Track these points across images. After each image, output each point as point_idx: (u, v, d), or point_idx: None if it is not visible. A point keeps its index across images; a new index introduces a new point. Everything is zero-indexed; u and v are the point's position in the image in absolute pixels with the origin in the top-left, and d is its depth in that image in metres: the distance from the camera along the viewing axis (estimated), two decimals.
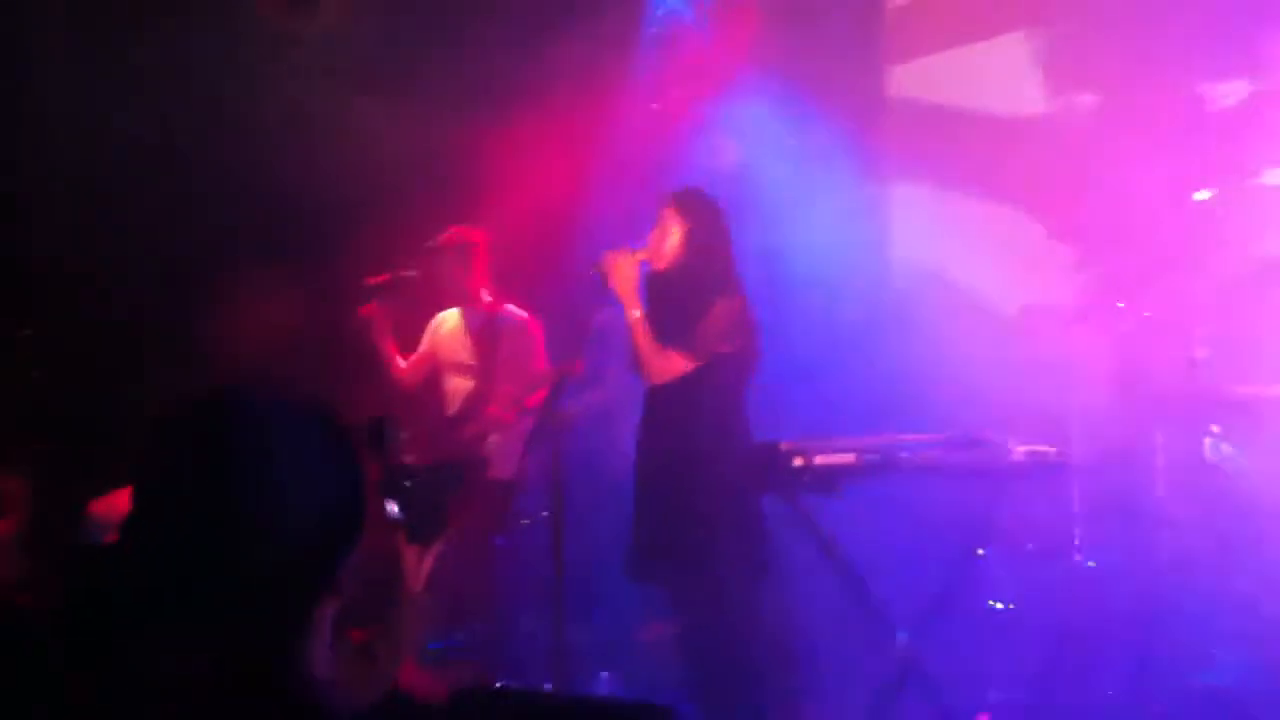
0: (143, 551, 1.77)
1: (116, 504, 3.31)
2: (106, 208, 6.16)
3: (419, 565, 2.76)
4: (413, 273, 5.68)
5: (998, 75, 6.07)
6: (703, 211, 4.80)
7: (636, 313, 4.65)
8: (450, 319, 5.84)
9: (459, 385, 5.75)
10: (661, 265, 4.75)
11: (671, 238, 4.75)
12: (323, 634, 1.84)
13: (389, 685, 2.66)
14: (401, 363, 5.79)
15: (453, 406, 5.75)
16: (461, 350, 5.75)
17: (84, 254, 6.12)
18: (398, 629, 2.76)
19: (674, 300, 4.69)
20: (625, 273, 4.68)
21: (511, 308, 5.74)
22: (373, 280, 5.65)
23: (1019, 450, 4.49)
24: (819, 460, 4.37)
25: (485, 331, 5.72)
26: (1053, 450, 4.57)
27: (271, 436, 1.80)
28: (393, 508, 2.66)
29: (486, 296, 5.76)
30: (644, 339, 4.63)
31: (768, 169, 6.10)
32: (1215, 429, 4.68)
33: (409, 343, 5.90)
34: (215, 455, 1.75)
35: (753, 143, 6.26)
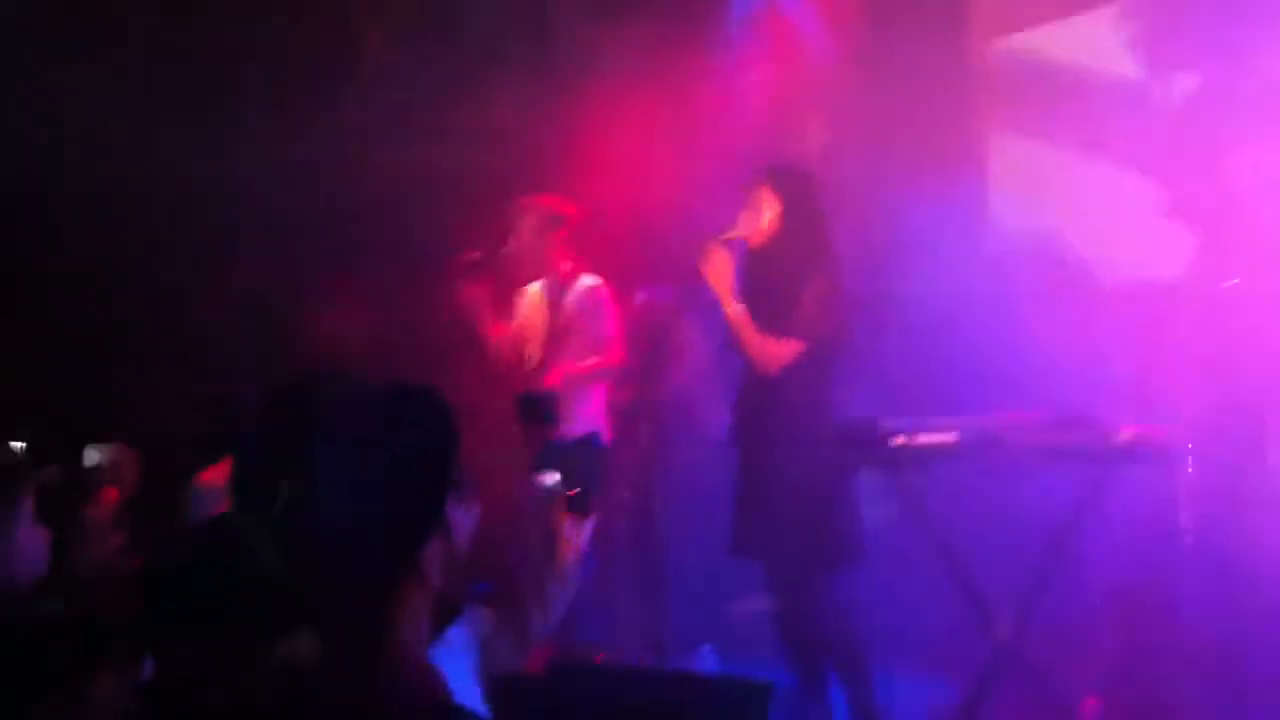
0: (252, 527, 1.76)
1: (222, 474, 3.31)
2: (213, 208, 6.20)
3: (576, 537, 2.76)
4: (507, 249, 5.65)
5: (1097, 49, 5.93)
6: (797, 187, 4.72)
7: (736, 307, 4.56)
8: (532, 291, 5.82)
9: (533, 355, 5.75)
10: (756, 243, 4.68)
11: (766, 215, 4.68)
12: (416, 624, 1.82)
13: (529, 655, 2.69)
14: (502, 336, 5.79)
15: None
16: (537, 320, 5.74)
17: (200, 243, 6.18)
18: (549, 600, 2.77)
19: (772, 279, 4.62)
20: (720, 266, 4.59)
21: (586, 276, 5.69)
22: (466, 257, 5.64)
23: (1126, 431, 4.38)
24: (921, 439, 4.29)
25: (555, 300, 5.70)
26: (1162, 430, 4.45)
27: (364, 419, 1.79)
28: (552, 479, 2.73)
29: (568, 269, 5.72)
30: (748, 332, 4.54)
31: (860, 144, 6.01)
32: None
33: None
34: (313, 435, 1.74)
35: (843, 118, 6.18)
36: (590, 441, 5.42)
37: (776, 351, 4.52)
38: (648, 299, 5.58)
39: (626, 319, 5.65)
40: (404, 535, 1.80)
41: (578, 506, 2.70)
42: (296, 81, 6.40)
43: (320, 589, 1.76)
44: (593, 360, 5.57)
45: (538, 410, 5.02)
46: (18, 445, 4.36)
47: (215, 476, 3.67)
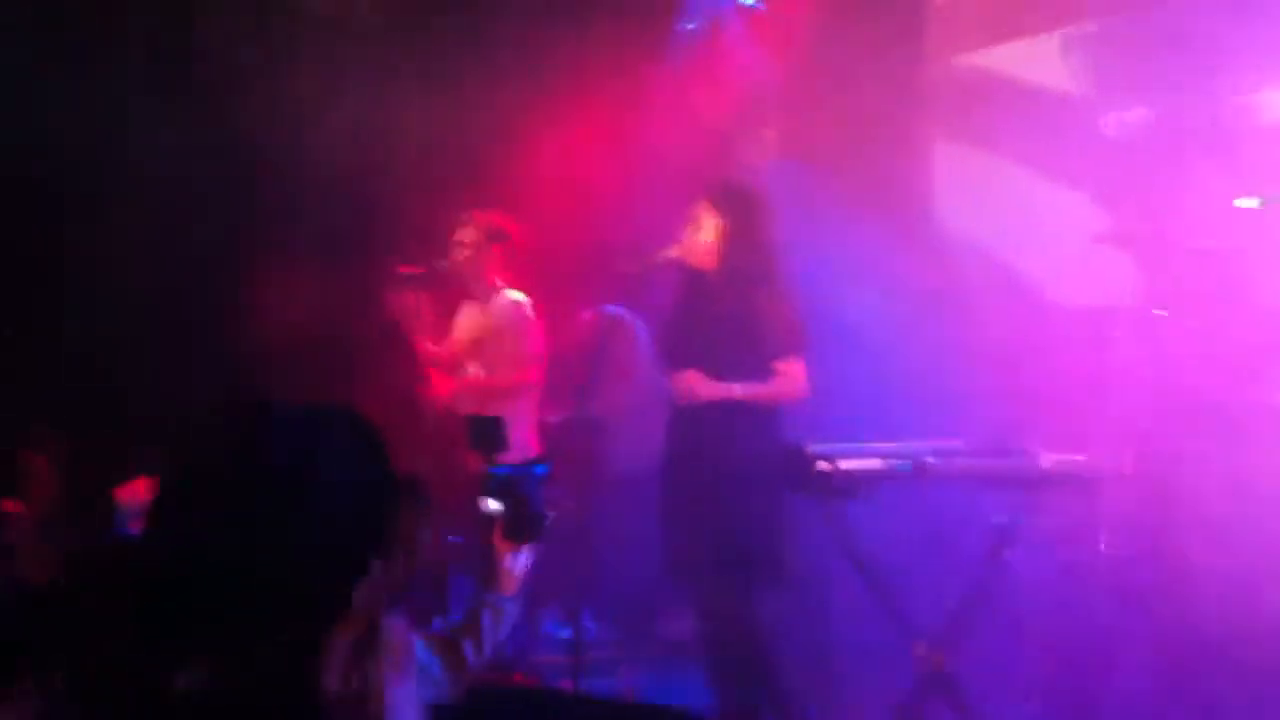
0: (172, 549, 1.78)
1: (139, 491, 3.31)
2: (132, 199, 6.16)
3: (512, 564, 2.76)
4: (443, 263, 5.66)
5: (1044, 71, 5.97)
6: (739, 205, 4.72)
7: (738, 389, 4.56)
8: (465, 309, 5.84)
9: (466, 369, 5.76)
10: (698, 263, 4.69)
11: (705, 234, 4.69)
12: (337, 659, 1.83)
13: (468, 684, 2.69)
14: (433, 348, 5.79)
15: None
16: (465, 339, 5.75)
17: (111, 244, 6.13)
18: (484, 628, 2.77)
19: (717, 299, 4.62)
20: (696, 385, 4.57)
21: (509, 293, 5.69)
22: (405, 269, 5.64)
23: (1048, 458, 4.42)
24: (845, 465, 4.32)
25: (480, 318, 5.70)
26: (1082, 459, 4.50)
27: (307, 448, 1.81)
28: (491, 504, 2.74)
29: (499, 283, 5.72)
30: (765, 393, 4.57)
31: (801, 163, 6.03)
32: None
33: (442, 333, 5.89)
34: (251, 461, 1.77)
35: (788, 138, 6.20)
36: (527, 468, 5.44)
37: (795, 383, 4.58)
38: (589, 317, 5.59)
39: (567, 336, 5.66)
40: (336, 570, 1.82)
41: (515, 534, 2.71)
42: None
43: (244, 619, 1.76)
44: (499, 375, 5.58)
45: (487, 434, 5.04)
46: None
47: (133, 494, 3.67)
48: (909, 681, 4.48)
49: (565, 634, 5.18)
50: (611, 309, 4.96)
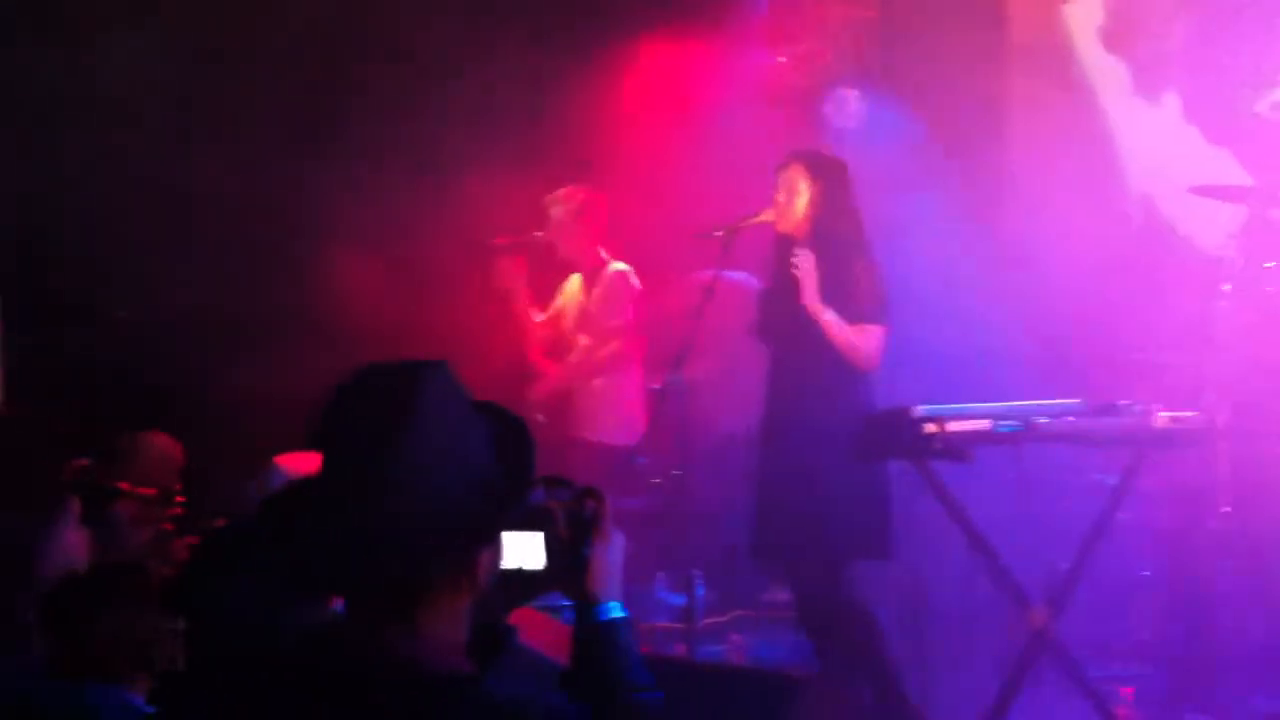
0: (313, 511, 1.79)
1: (303, 462, 3.33)
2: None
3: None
4: (539, 234, 5.67)
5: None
6: (832, 173, 4.70)
7: (829, 315, 4.50)
8: (573, 280, 5.84)
9: (577, 345, 5.76)
10: (789, 228, 4.66)
11: (800, 199, 4.65)
12: (456, 622, 1.84)
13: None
14: (538, 317, 5.80)
15: None
16: (572, 307, 5.76)
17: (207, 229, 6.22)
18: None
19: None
20: (807, 267, 4.51)
21: (616, 264, 5.69)
22: (499, 241, 5.65)
23: (1161, 416, 4.33)
24: (952, 427, 4.26)
25: (589, 288, 5.71)
26: (1197, 416, 4.40)
27: (451, 416, 1.82)
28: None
29: (603, 254, 5.73)
30: (843, 334, 4.50)
31: (893, 129, 5.95)
32: None
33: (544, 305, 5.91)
34: (394, 427, 1.77)
35: (878, 102, 6.12)
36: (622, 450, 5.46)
37: (871, 344, 4.51)
38: (684, 283, 5.58)
39: (662, 304, 5.65)
40: (474, 531, 1.84)
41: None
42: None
43: (379, 571, 1.77)
44: (603, 349, 5.57)
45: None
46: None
47: (295, 463, 3.69)
48: (1010, 647, 4.42)
49: (677, 600, 5.18)
50: (710, 274, 4.95)
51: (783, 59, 6.55)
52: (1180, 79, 5.84)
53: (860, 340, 4.51)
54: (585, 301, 5.74)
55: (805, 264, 4.51)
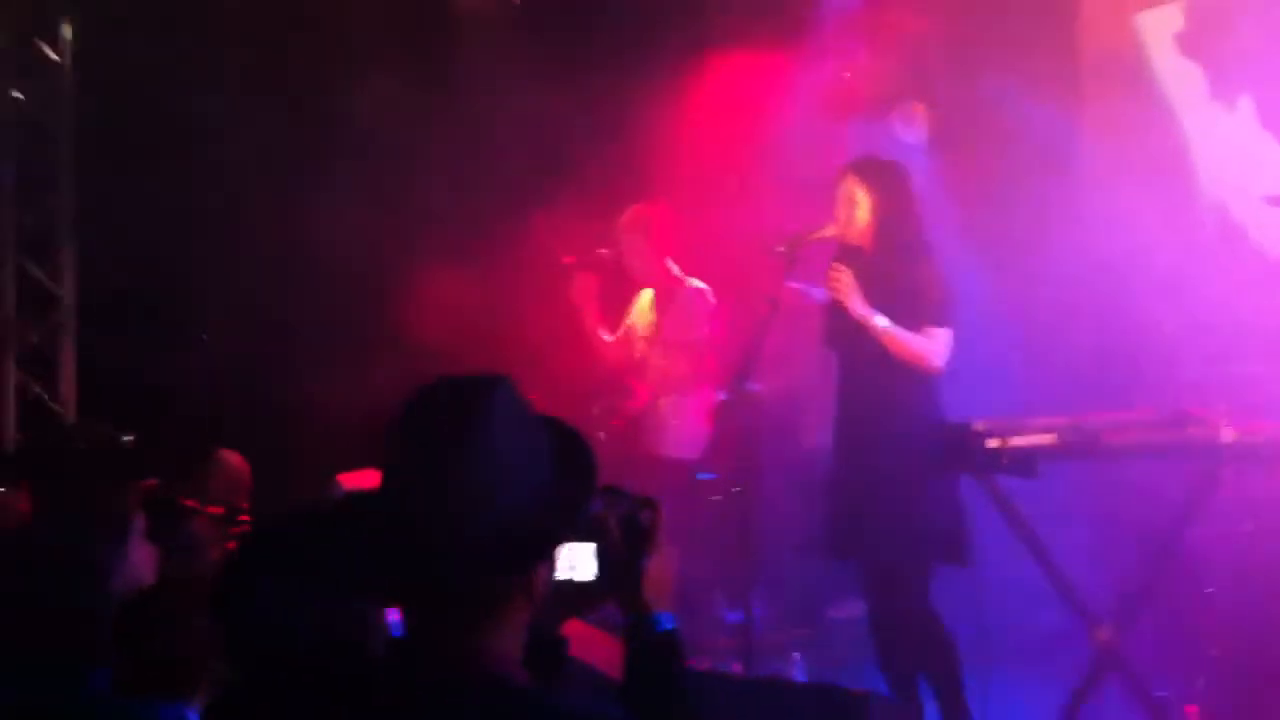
0: (379, 521, 1.81)
1: (364, 480, 3.39)
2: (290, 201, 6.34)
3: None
4: (606, 251, 5.69)
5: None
6: (890, 180, 4.67)
7: (882, 320, 4.49)
8: (644, 295, 5.87)
9: (649, 361, 5.78)
10: (853, 239, 4.65)
11: (860, 209, 4.64)
12: (515, 634, 1.85)
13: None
14: (607, 336, 5.84)
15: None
16: (648, 325, 5.77)
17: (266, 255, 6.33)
18: None
19: (871, 273, 4.58)
20: (846, 281, 4.53)
21: (692, 280, 5.72)
22: (568, 260, 5.69)
23: (1229, 431, 4.26)
24: (1016, 442, 4.23)
25: (663, 305, 5.73)
26: (1268, 429, 4.33)
27: (515, 429, 1.83)
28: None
29: (675, 270, 5.74)
30: (901, 338, 4.48)
31: (959, 134, 5.92)
32: None
33: (614, 322, 5.94)
34: (455, 442, 1.78)
35: (942, 114, 6.09)
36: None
37: (935, 346, 4.48)
38: (752, 299, 5.59)
39: (732, 320, 5.66)
40: (536, 543, 1.85)
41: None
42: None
43: (440, 578, 1.79)
44: (683, 367, 5.61)
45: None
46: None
47: (357, 480, 3.74)
48: (1076, 663, 4.37)
49: (734, 617, 5.17)
50: (779, 288, 4.94)
51: (848, 73, 6.52)
52: (1256, 83, 5.75)
53: (922, 345, 4.48)
54: (659, 319, 5.76)
55: (843, 279, 4.51)
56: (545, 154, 6.51)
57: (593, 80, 6.36)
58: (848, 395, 4.66)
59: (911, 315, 4.48)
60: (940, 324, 4.50)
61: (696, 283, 5.70)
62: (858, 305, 4.50)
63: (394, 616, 1.95)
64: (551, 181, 6.34)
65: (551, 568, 1.95)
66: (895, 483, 4.43)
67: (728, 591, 5.38)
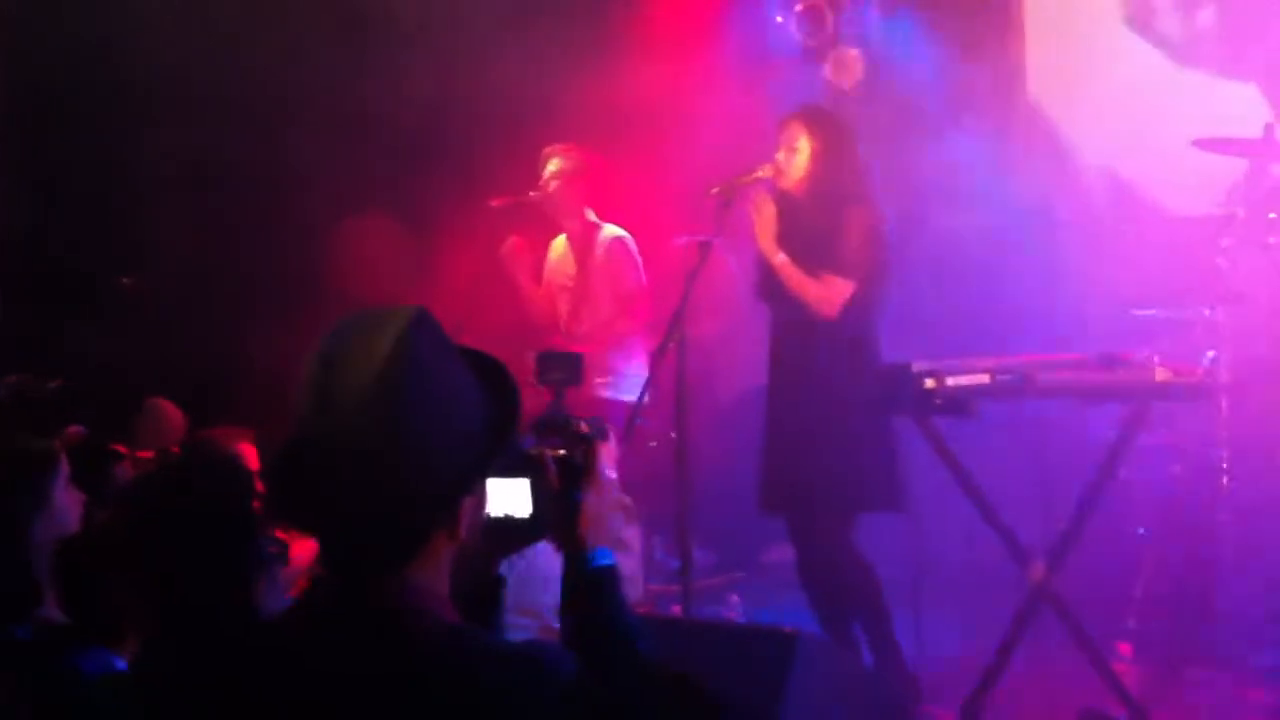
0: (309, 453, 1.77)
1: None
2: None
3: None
4: (534, 194, 5.63)
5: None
6: (831, 127, 4.67)
7: (781, 257, 4.51)
8: (559, 242, 5.81)
9: (563, 308, 5.74)
10: (789, 184, 4.63)
11: (800, 155, 4.62)
12: (439, 571, 1.82)
13: None
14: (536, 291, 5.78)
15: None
16: (564, 272, 5.73)
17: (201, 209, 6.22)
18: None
19: (807, 219, 4.57)
20: (766, 214, 4.52)
21: (610, 227, 5.66)
22: (496, 202, 5.62)
23: (1162, 370, 4.30)
24: (951, 381, 4.23)
25: (582, 251, 5.67)
26: (1199, 370, 4.38)
27: (440, 363, 1.80)
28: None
29: (591, 216, 5.69)
30: (796, 279, 4.49)
31: (896, 84, 5.90)
32: None
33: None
34: (372, 371, 1.74)
35: (881, 56, 6.07)
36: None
37: (829, 293, 4.48)
38: (681, 244, 5.55)
39: (661, 266, 5.63)
40: (457, 481, 1.81)
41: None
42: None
43: (355, 520, 1.75)
44: (621, 320, 5.56)
45: (561, 369, 5.00)
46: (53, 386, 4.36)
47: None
48: (1009, 601, 4.41)
49: (673, 563, 5.18)
50: (702, 235, 4.92)
51: (781, 18, 6.49)
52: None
53: (814, 290, 4.48)
54: (580, 269, 5.70)
55: (764, 209, 4.52)
56: (477, 98, 6.42)
57: (524, 20, 6.28)
58: (781, 345, 4.66)
59: (818, 262, 4.48)
60: (845, 274, 4.48)
61: (616, 230, 5.65)
62: (766, 240, 4.49)
63: None
64: (482, 124, 6.26)
65: (479, 503, 1.92)
66: (827, 430, 4.44)
67: (666, 537, 5.39)
